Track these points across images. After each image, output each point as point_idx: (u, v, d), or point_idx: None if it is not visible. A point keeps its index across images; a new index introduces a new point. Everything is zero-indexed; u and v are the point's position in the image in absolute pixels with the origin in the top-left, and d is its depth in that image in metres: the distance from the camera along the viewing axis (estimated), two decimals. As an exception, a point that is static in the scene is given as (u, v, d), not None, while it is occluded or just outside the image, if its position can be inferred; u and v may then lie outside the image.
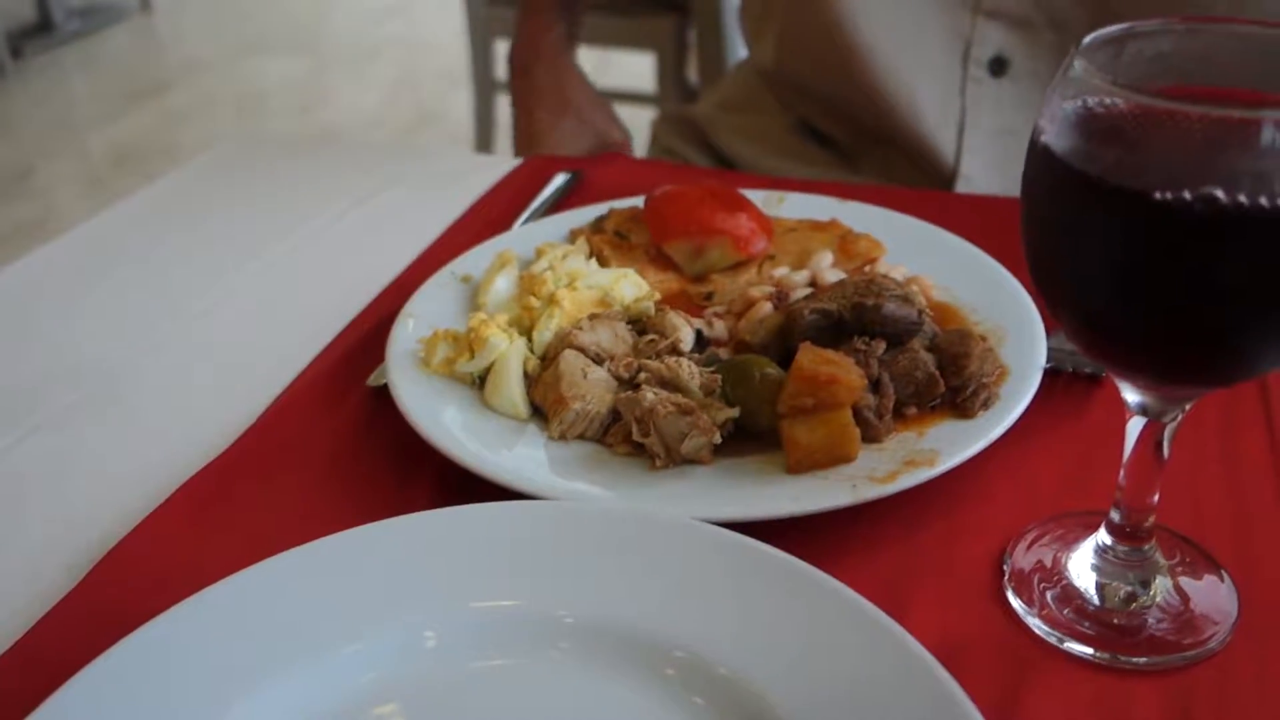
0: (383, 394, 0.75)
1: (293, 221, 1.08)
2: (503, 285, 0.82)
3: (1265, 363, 0.48)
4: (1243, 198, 0.42)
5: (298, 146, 1.34)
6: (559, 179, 1.08)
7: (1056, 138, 0.47)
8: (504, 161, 1.17)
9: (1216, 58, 0.50)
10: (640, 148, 1.45)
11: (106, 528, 0.68)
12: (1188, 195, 0.42)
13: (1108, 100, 0.46)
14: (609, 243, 0.89)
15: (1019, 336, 0.74)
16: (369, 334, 0.84)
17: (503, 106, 3.19)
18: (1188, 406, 0.53)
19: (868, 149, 1.17)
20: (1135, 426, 0.54)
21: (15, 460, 0.76)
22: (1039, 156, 0.48)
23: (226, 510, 0.68)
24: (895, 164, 1.15)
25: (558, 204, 1.04)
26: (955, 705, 0.47)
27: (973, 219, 0.89)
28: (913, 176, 1.14)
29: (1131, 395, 0.53)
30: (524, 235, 0.92)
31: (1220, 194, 0.42)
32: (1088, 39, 0.48)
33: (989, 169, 1.10)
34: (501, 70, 3.03)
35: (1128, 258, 0.46)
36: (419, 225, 1.03)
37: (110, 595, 0.62)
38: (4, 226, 3.54)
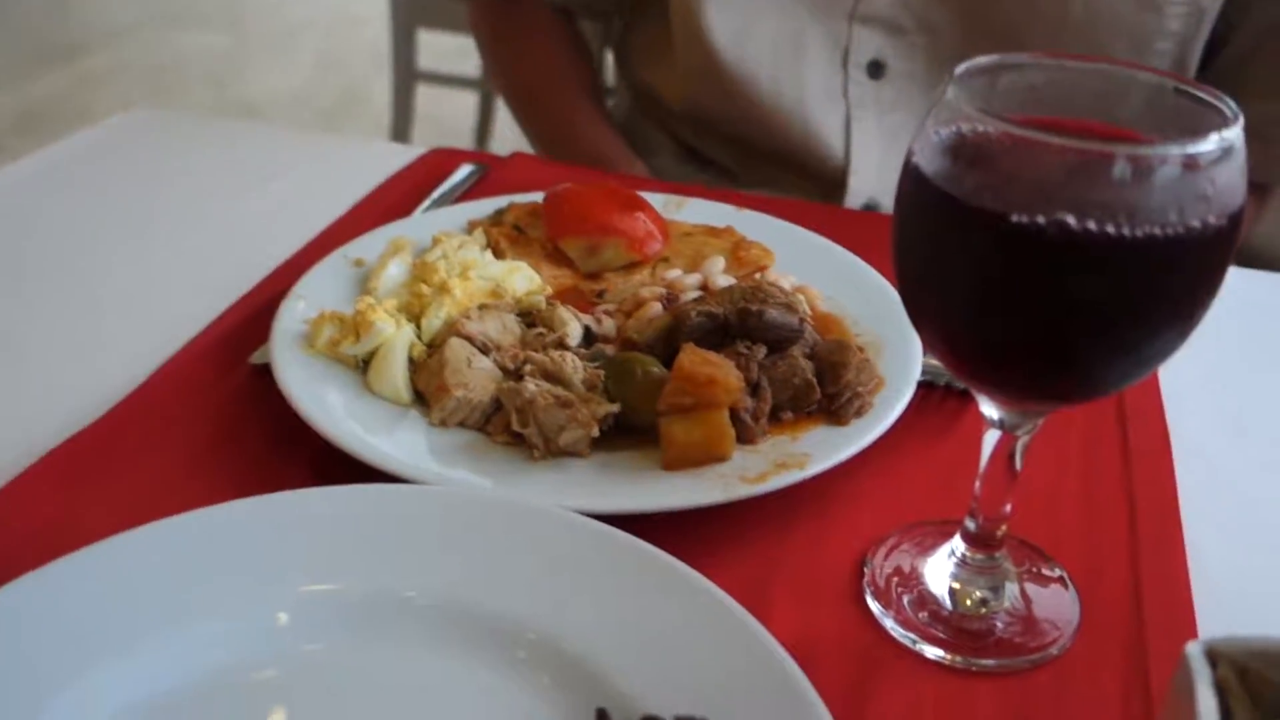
0: (265, 373, 0.74)
1: (194, 196, 1.06)
2: (395, 271, 0.82)
3: (1110, 383, 0.51)
4: (1092, 224, 0.44)
5: (209, 121, 1.31)
6: (464, 170, 1.08)
7: (927, 159, 0.49)
8: (414, 150, 1.16)
9: (1082, 91, 0.52)
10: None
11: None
12: (1042, 219, 0.44)
13: (978, 127, 0.48)
14: (506, 236, 0.89)
15: (897, 350, 0.76)
16: (256, 312, 0.83)
17: (423, 95, 3.16)
18: (1040, 421, 0.55)
19: (754, 169, 1.21)
20: (991, 438, 0.57)
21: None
22: (909, 175, 0.50)
23: (96, 479, 0.67)
24: (782, 180, 1.20)
25: (461, 195, 1.04)
26: (804, 700, 0.49)
27: (863, 234, 0.91)
28: (801, 190, 1.18)
29: (988, 409, 0.55)
30: (422, 223, 0.92)
31: (1072, 220, 0.44)
32: (961, 68, 0.50)
33: (877, 166, 1.16)
34: (424, 59, 3.01)
35: (983, 276, 0.48)
36: (321, 209, 1.02)
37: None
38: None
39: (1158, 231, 0.44)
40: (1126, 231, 0.44)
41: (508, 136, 3.59)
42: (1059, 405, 0.55)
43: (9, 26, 4.91)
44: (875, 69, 1.14)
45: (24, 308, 0.87)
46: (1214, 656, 0.43)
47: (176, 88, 4.42)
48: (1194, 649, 0.43)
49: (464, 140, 3.08)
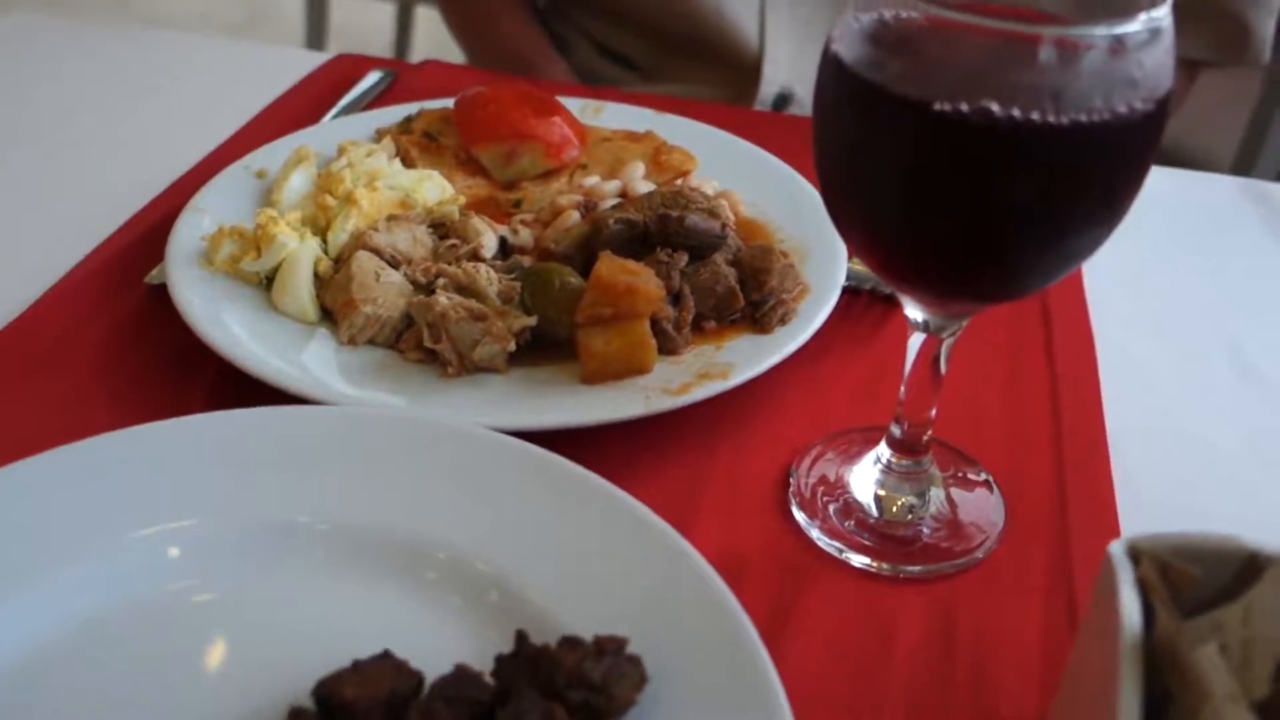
0: (162, 292, 0.70)
1: (86, 105, 1.00)
2: (298, 182, 0.78)
3: (1036, 279, 0.49)
4: (1017, 111, 0.42)
5: (105, 27, 1.24)
6: (372, 78, 1.03)
7: (847, 46, 0.47)
8: (320, 56, 1.11)
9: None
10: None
11: None
12: (966, 106, 0.42)
13: (901, 12, 0.45)
14: (417, 144, 0.85)
15: (822, 256, 0.74)
16: (153, 228, 0.79)
17: (336, 6, 3.04)
18: (965, 322, 0.54)
19: (668, 62, 1.18)
20: (915, 341, 0.55)
21: None
22: (829, 65, 0.48)
23: (-23, 406, 0.63)
24: (696, 74, 1.16)
25: (370, 103, 0.99)
26: (728, 614, 0.47)
27: (785, 138, 0.89)
28: (715, 82, 1.15)
29: (912, 310, 0.54)
30: (327, 131, 0.87)
31: (996, 107, 0.42)
32: (884, -51, 0.48)
33: (792, 56, 1.14)
34: (333, -33, 2.89)
35: (906, 168, 0.46)
36: (223, 118, 0.96)
37: None
38: None
39: (1084, 118, 0.42)
40: (1052, 118, 0.42)
41: (425, 52, 3.49)
42: (984, 305, 0.53)
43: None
44: None
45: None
46: (1136, 555, 0.42)
47: (78, 3, 4.20)
48: (1116, 548, 0.42)
49: (381, 53, 2.98)
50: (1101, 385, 0.69)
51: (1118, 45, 0.42)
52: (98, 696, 0.46)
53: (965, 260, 0.48)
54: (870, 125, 0.46)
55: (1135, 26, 0.42)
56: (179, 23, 4.09)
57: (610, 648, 0.45)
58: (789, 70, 1.14)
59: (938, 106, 0.43)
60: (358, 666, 0.44)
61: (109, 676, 0.47)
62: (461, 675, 0.45)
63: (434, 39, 3.66)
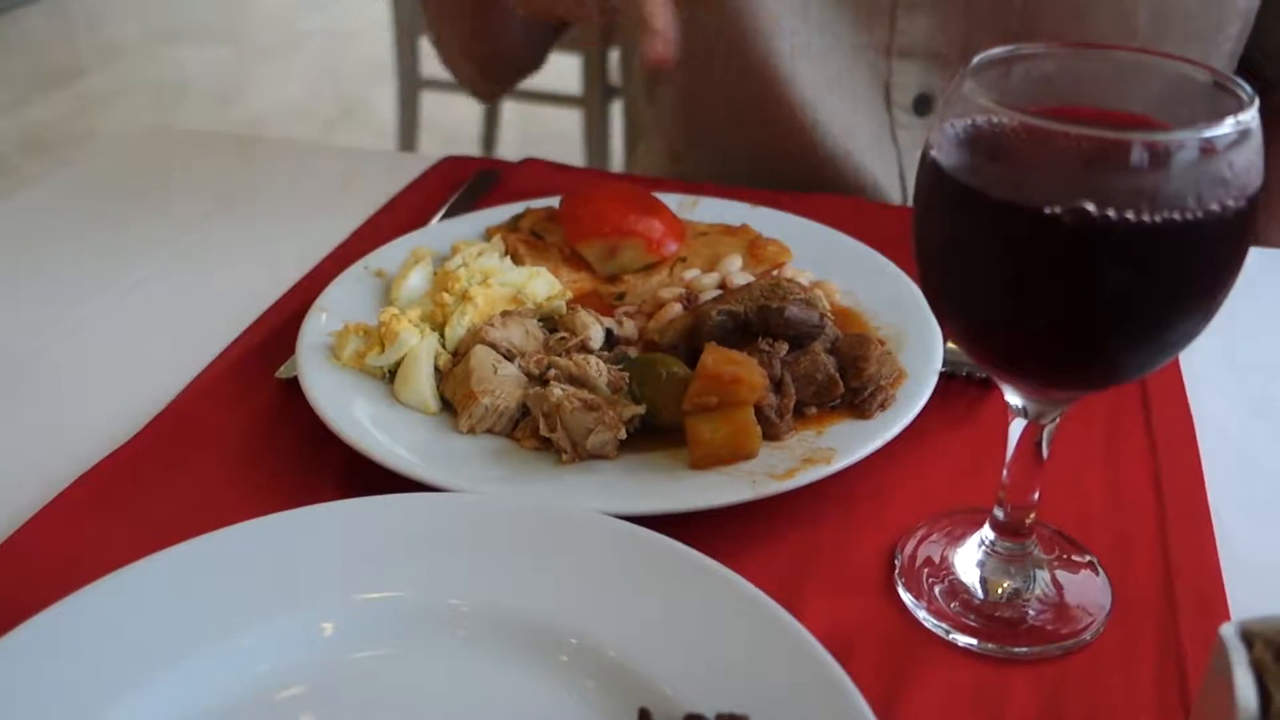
0: (292, 386, 0.75)
1: (206, 213, 1.07)
2: (416, 281, 0.82)
3: (1134, 369, 0.51)
4: (1110, 212, 0.44)
5: (214, 139, 1.32)
6: (476, 178, 1.09)
7: (944, 152, 0.50)
8: (423, 160, 1.17)
9: (1095, 80, 0.53)
10: (570, 152, 1.45)
11: (4, 519, 0.67)
12: (1060, 209, 0.45)
13: (994, 118, 0.48)
14: (524, 241, 0.90)
15: (918, 342, 0.76)
16: (280, 327, 0.84)
17: (427, 103, 3.17)
18: (1065, 409, 0.55)
19: None
20: (1017, 428, 0.57)
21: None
22: (927, 170, 0.50)
23: (128, 500, 0.68)
24: None
25: (475, 202, 1.04)
26: (843, 693, 0.49)
27: (877, 226, 0.92)
28: None
29: (1013, 398, 0.55)
30: (439, 232, 0.93)
31: (1091, 207, 0.45)
32: (976, 59, 0.51)
33: None
34: (427, 67, 3.02)
35: (1003, 267, 0.48)
36: (334, 222, 1.02)
37: (3, 586, 0.61)
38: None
39: (1177, 216, 0.44)
40: (1146, 218, 0.44)
41: (513, 141, 3.61)
42: (1083, 393, 0.55)
43: (11, 49, 4.94)
44: (922, 104, 1.08)
45: (47, 331, 0.88)
46: (1249, 637, 0.43)
47: (179, 105, 4.44)
48: (1229, 630, 0.43)
49: (470, 146, 3.10)
50: (1203, 466, 0.70)
51: (1208, 146, 0.45)
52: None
53: (1064, 353, 0.50)
54: (968, 227, 0.49)
55: (1225, 129, 0.44)
56: (277, 119, 4.30)
57: (732, 725, 0.47)
58: None
59: (1033, 208, 0.45)
60: (491, 746, 0.47)
61: (262, 750, 0.50)
62: (590, 751, 0.47)
63: (520, 130, 3.79)
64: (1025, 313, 0.49)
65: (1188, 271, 0.46)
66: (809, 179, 1.09)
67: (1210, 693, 0.44)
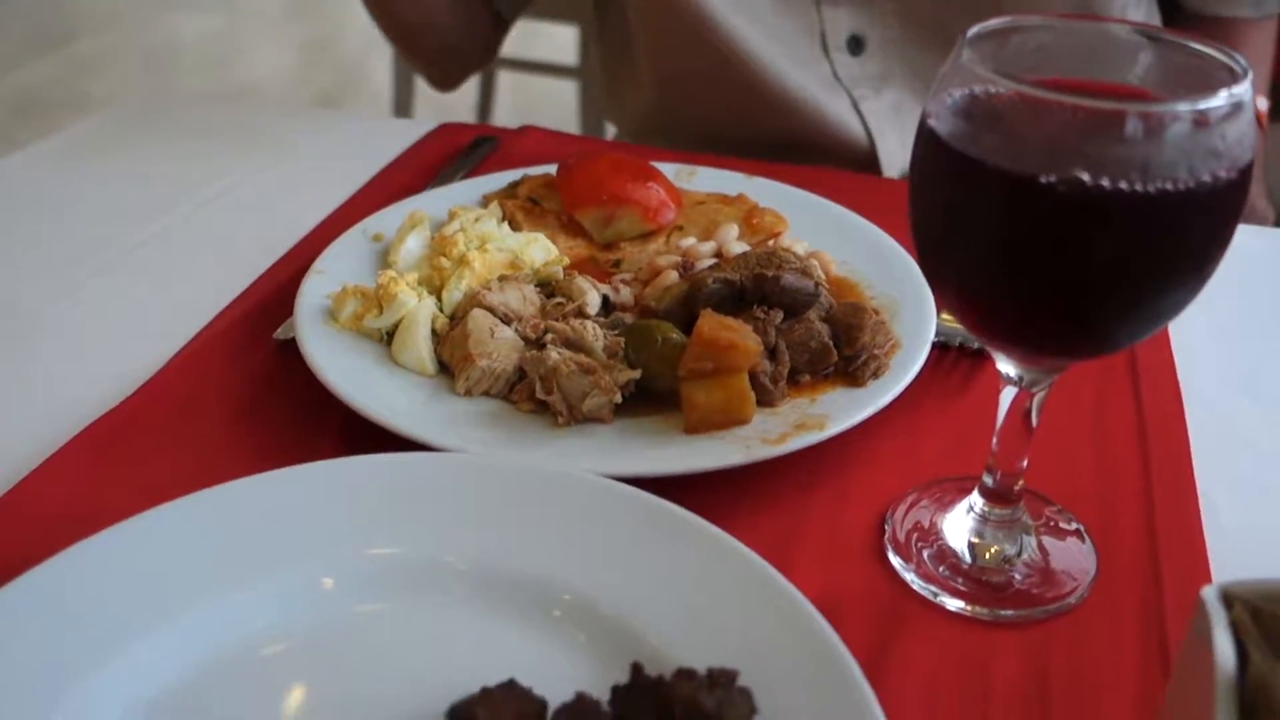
0: (289, 348, 0.76)
1: (201, 179, 1.07)
2: (414, 245, 0.83)
3: (1125, 337, 0.52)
4: (1105, 181, 0.45)
5: (209, 105, 1.32)
6: (474, 145, 1.09)
7: (941, 122, 0.50)
8: (420, 125, 1.17)
9: (1091, 52, 0.53)
10: (566, 123, 1.45)
11: (3, 475, 0.67)
12: (1056, 177, 0.46)
13: (991, 88, 0.49)
14: (521, 208, 0.90)
15: (911, 312, 0.77)
16: (277, 289, 0.85)
17: (423, 72, 3.15)
18: (1056, 377, 0.56)
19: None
20: (1007, 396, 0.58)
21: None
22: (925, 138, 0.51)
23: (126, 457, 0.69)
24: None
25: (472, 170, 1.05)
26: (831, 651, 0.50)
27: (870, 198, 0.93)
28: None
29: (1004, 365, 0.56)
30: (437, 197, 0.93)
31: (1085, 177, 0.45)
32: (972, 31, 0.51)
33: (899, 139, 1.16)
34: (423, 35, 3.01)
35: (999, 235, 0.49)
36: (330, 187, 1.03)
37: (2, 540, 0.62)
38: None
39: (1169, 187, 0.45)
40: (1139, 187, 0.45)
41: (509, 111, 3.60)
42: (1074, 360, 0.56)
43: (1, 11, 4.89)
44: (855, 45, 1.15)
45: (45, 293, 0.88)
46: (1229, 599, 0.44)
47: (172, 71, 4.41)
48: (1209, 593, 0.44)
49: (466, 116, 3.08)
50: (1190, 438, 0.71)
51: (1201, 119, 0.45)
52: (253, 713, 0.50)
53: (1055, 320, 0.50)
54: (965, 194, 0.50)
55: (1218, 102, 0.45)
56: (273, 88, 4.27)
57: (722, 680, 0.48)
58: (903, 154, 1.15)
59: (1029, 177, 0.46)
60: (486, 692, 0.48)
61: (263, 696, 0.51)
62: (582, 703, 0.48)
63: (516, 101, 3.77)
64: (1018, 280, 0.49)
65: (1179, 241, 0.47)
66: (779, 130, 1.15)
67: (1190, 654, 0.45)
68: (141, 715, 0.50)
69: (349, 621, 0.54)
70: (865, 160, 1.16)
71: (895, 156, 1.16)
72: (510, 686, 0.49)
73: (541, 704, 0.48)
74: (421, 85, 3.16)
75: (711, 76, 1.15)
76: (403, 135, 1.14)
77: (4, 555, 0.58)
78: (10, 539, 0.62)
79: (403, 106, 3.14)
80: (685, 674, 0.48)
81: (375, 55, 4.06)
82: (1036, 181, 0.46)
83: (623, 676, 0.49)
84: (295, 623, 0.54)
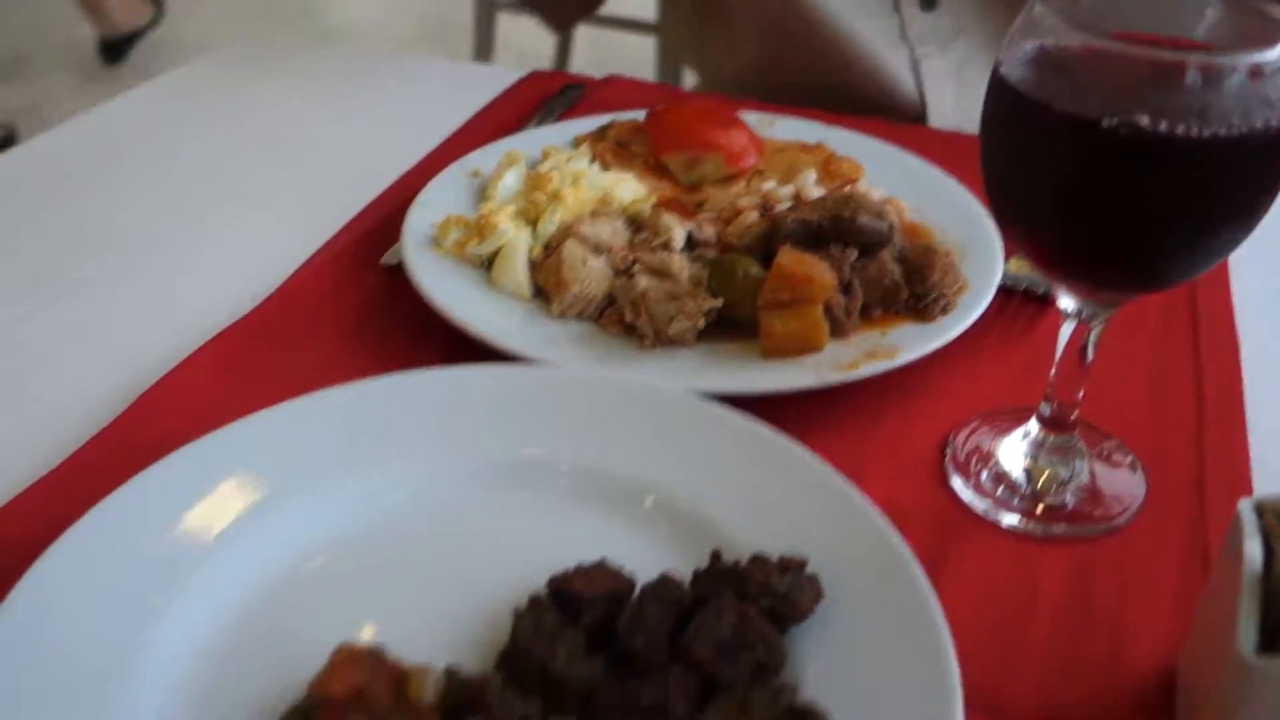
0: (395, 273, 0.82)
1: (298, 124, 1.14)
2: (511, 181, 0.88)
3: (1179, 272, 0.56)
4: (1163, 126, 0.49)
5: (300, 54, 1.38)
6: (562, 92, 1.14)
7: (1013, 69, 0.54)
8: (510, 73, 1.22)
9: (1156, 7, 0.57)
10: (643, 75, 1.50)
11: (121, 392, 0.73)
12: (1118, 120, 0.50)
13: (1062, 40, 0.53)
14: (610, 150, 0.95)
15: (980, 257, 0.81)
16: (381, 221, 0.91)
17: (503, 24, 3.21)
18: (1113, 311, 0.60)
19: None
20: (1067, 329, 0.62)
21: (39, 323, 0.82)
22: (997, 86, 0.55)
23: (242, 371, 0.74)
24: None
25: (561, 115, 1.10)
26: (893, 547, 0.55)
27: (942, 152, 0.96)
28: None
29: (1065, 301, 0.61)
30: (530, 138, 0.98)
31: (1146, 121, 0.49)
32: (1047, -15, 0.55)
33: (952, 101, 1.20)
34: (503, -16, 3.05)
35: (1064, 174, 0.53)
36: (427, 130, 1.09)
37: (140, 433, 0.68)
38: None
39: (1223, 132, 0.49)
40: (1196, 133, 0.49)
41: (586, 65, 3.64)
42: (1131, 294, 0.60)
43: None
44: (928, 1, 1.18)
45: (169, 220, 0.96)
46: (1261, 509, 0.49)
47: (259, 19, 4.51)
48: (1245, 503, 0.49)
49: (544, 66, 3.13)
50: (1244, 381, 0.75)
51: (1257, 70, 0.49)
52: (374, 586, 0.57)
53: (1116, 256, 0.55)
54: (1034, 138, 0.54)
55: (1273, 55, 0.49)
56: (357, 35, 4.35)
57: (793, 566, 0.53)
58: (952, 117, 1.19)
59: (1094, 120, 0.50)
60: (581, 568, 0.54)
61: (383, 570, 0.57)
62: (666, 582, 0.54)
63: (593, 55, 3.81)
64: (1081, 217, 0.54)
65: (1231, 183, 0.51)
66: (834, 85, 1.19)
67: (1225, 558, 0.50)
68: (272, 588, 0.56)
69: (459, 511, 0.60)
70: (913, 119, 1.20)
71: (947, 118, 1.19)
72: (602, 565, 0.55)
73: (630, 581, 0.54)
74: (502, 33, 3.21)
75: (790, 31, 1.19)
76: (493, 82, 1.20)
77: (139, 446, 0.64)
78: (149, 433, 0.69)
79: (483, 57, 3.19)
80: (759, 559, 0.54)
81: (456, 6, 4.12)
82: (1099, 124, 0.50)
83: (703, 564, 0.55)
84: (409, 511, 0.60)
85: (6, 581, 0.52)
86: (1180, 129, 0.49)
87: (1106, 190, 0.52)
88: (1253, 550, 0.46)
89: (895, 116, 1.20)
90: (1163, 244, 0.53)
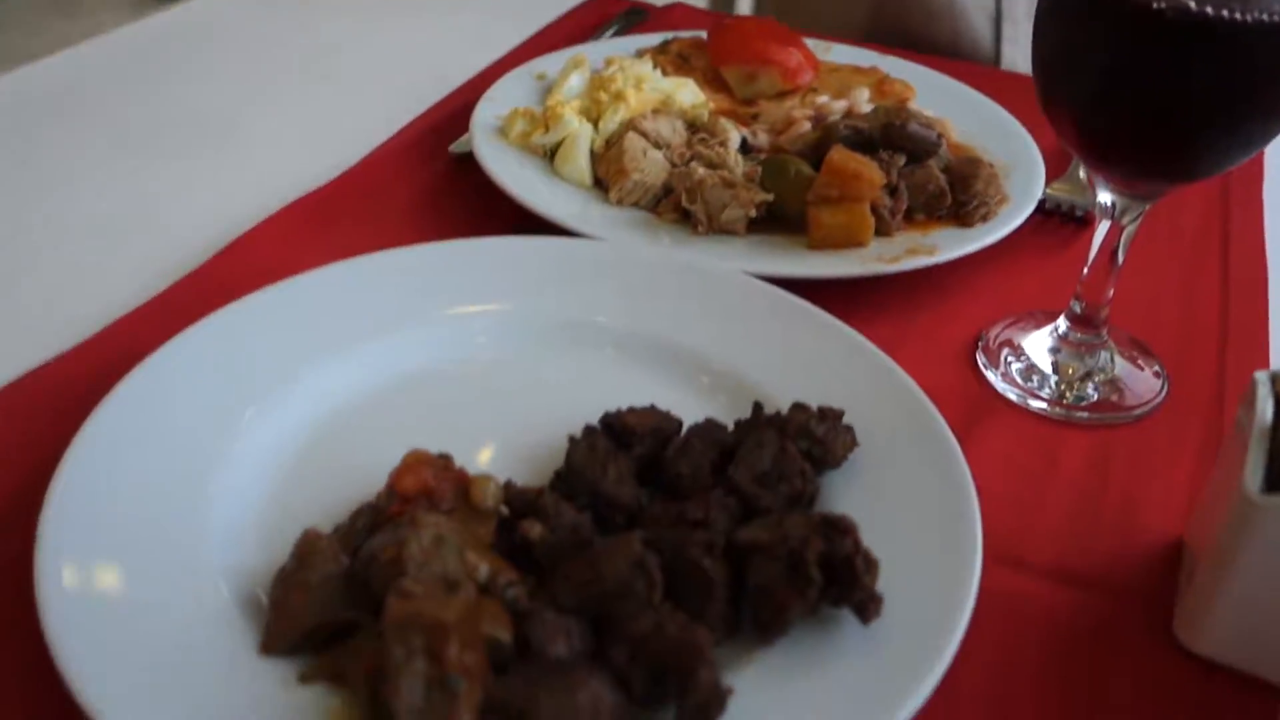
0: (464, 161, 0.86)
1: (373, 32, 1.18)
2: (575, 82, 0.92)
3: (1211, 159, 0.59)
4: (1208, 9, 0.52)
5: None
6: (626, 14, 1.17)
7: (1067, -38, 0.57)
8: (576, -1, 1.26)
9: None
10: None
11: (226, 229, 0.79)
12: (1164, 3, 0.53)
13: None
14: (671, 63, 0.99)
15: (1023, 175, 0.84)
16: (449, 114, 0.95)
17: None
18: (1146, 207, 0.64)
19: None
20: (1100, 231, 0.65)
21: (141, 180, 0.88)
22: (1049, -22, 0.59)
23: (325, 227, 0.80)
24: None
25: (624, 33, 1.13)
26: (922, 407, 0.59)
27: (994, 85, 0.99)
28: None
29: (1103, 194, 0.64)
30: (595, 49, 1.02)
31: (1191, 4, 0.52)
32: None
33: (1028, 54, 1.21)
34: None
35: (1110, 54, 0.56)
36: (493, 43, 1.12)
37: (225, 278, 0.73)
38: (54, 42, 3.62)
39: (1266, 18, 0.52)
40: (1239, 17, 0.52)
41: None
42: (1168, 184, 0.63)
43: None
44: None
45: (253, 104, 1.01)
46: (1275, 379, 0.52)
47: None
48: (1260, 373, 0.52)
49: None
50: (1270, 297, 0.78)
51: (1301, -40, 0.52)
52: (444, 414, 0.61)
53: (1154, 139, 0.58)
54: (1082, 23, 0.57)
55: (1317, -55, 0.52)
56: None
57: (831, 415, 0.57)
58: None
59: (1142, 5, 0.53)
60: (633, 408, 0.58)
61: (451, 402, 0.62)
62: (711, 424, 0.58)
63: None
64: (1124, 98, 0.57)
65: (1268, 68, 0.54)
66: (910, 31, 1.23)
67: (1239, 422, 0.53)
68: (355, 408, 0.61)
69: (521, 359, 0.65)
70: None
71: (1019, 68, 1.22)
72: (652, 407, 0.59)
73: (678, 420, 0.58)
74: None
75: None
76: (556, 3, 1.23)
77: (224, 288, 0.68)
78: (230, 281, 0.73)
79: None
80: (799, 406, 0.58)
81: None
82: (1146, 7, 0.53)
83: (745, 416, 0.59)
84: (477, 355, 0.65)
85: (115, 376, 0.57)
86: (1224, 12, 0.52)
87: (1149, 71, 0.55)
88: (1263, 408, 0.50)
89: None
90: (1201, 129, 0.56)
